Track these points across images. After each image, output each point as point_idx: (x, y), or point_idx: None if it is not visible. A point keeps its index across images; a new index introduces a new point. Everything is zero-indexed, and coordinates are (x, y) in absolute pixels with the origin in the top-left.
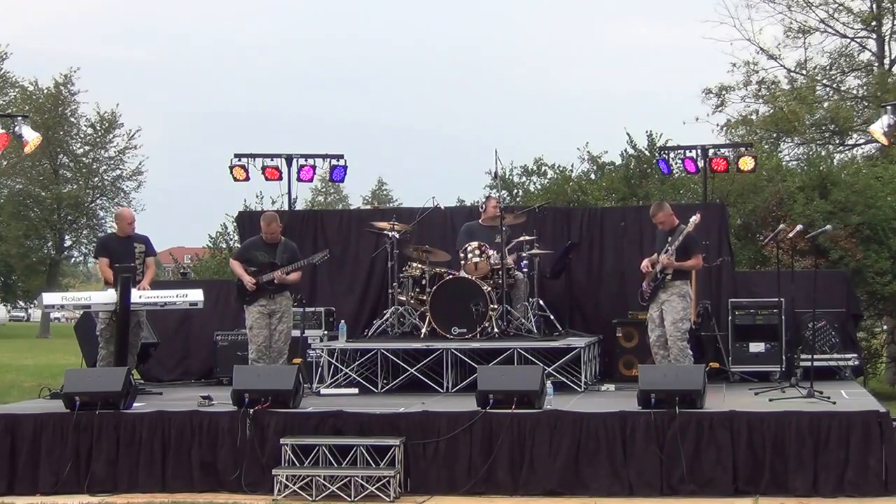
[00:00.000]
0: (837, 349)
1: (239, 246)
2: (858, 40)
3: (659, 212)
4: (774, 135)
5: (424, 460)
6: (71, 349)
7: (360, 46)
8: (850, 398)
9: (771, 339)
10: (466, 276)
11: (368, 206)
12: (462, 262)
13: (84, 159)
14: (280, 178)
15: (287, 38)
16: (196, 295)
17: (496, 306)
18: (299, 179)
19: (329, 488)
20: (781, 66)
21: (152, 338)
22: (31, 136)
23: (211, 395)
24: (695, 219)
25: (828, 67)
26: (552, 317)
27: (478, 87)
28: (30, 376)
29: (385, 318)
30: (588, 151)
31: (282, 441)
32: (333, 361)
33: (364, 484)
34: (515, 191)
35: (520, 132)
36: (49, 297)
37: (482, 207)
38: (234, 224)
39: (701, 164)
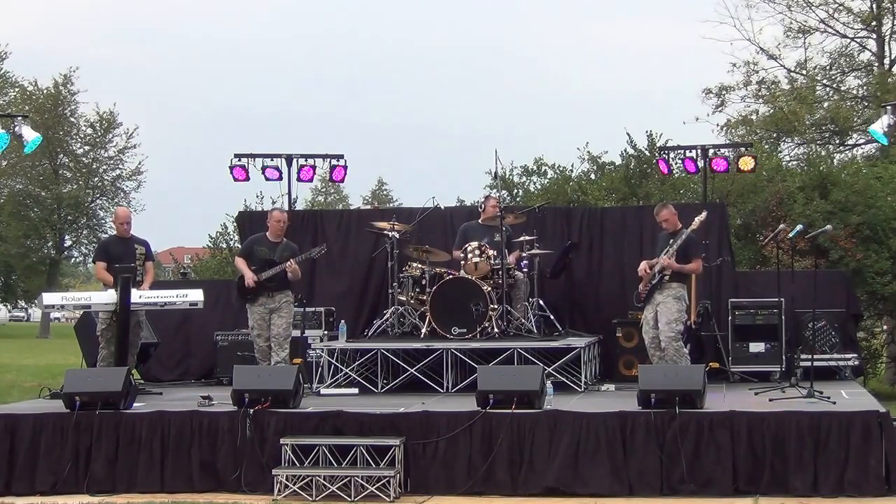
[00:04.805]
0: (837, 349)
1: (240, 246)
2: (858, 40)
3: (664, 210)
4: (774, 135)
5: (424, 460)
6: (71, 349)
7: (360, 46)
8: (850, 398)
9: (771, 339)
10: (466, 276)
11: (368, 206)
12: (462, 262)
13: (84, 159)
14: (280, 178)
15: (287, 38)
16: (196, 295)
17: (496, 306)
18: (299, 179)
19: (329, 488)
20: (781, 66)
21: (152, 338)
22: (31, 136)
23: (211, 395)
24: (701, 217)
25: (828, 67)
26: (552, 317)
27: (478, 86)
28: (30, 376)
29: (385, 318)
30: (588, 151)
31: (282, 441)
32: (333, 361)
33: (364, 484)
34: (515, 191)
35: (520, 132)
36: (49, 297)
37: (482, 207)
38: (234, 224)
39: (701, 164)
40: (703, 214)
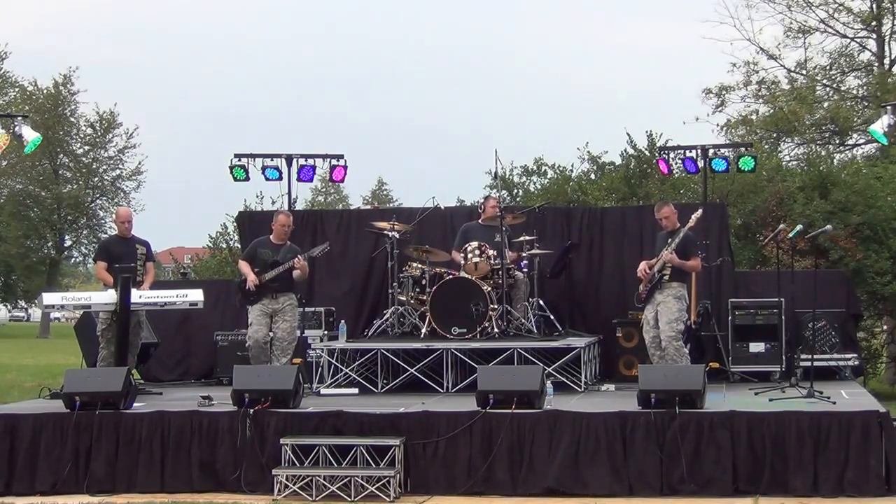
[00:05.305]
0: (837, 349)
1: (241, 247)
2: (858, 40)
3: (664, 207)
4: (774, 135)
5: (424, 460)
6: (71, 349)
7: (361, 46)
8: (850, 398)
9: (771, 339)
10: (466, 276)
11: (368, 206)
12: (462, 263)
13: (84, 159)
14: (280, 178)
15: (287, 38)
16: (196, 295)
17: (496, 306)
18: (299, 179)
19: (329, 488)
20: (781, 66)
21: (152, 338)
22: (31, 136)
23: (211, 395)
24: (697, 214)
25: (828, 67)
26: (552, 317)
27: (478, 86)
28: (30, 376)
29: (385, 318)
30: (588, 151)
31: (282, 441)
32: (333, 361)
33: (364, 484)
34: (515, 191)
35: (520, 132)
36: (49, 297)
37: (482, 207)
38: (234, 224)
39: (701, 164)
40: (699, 212)
